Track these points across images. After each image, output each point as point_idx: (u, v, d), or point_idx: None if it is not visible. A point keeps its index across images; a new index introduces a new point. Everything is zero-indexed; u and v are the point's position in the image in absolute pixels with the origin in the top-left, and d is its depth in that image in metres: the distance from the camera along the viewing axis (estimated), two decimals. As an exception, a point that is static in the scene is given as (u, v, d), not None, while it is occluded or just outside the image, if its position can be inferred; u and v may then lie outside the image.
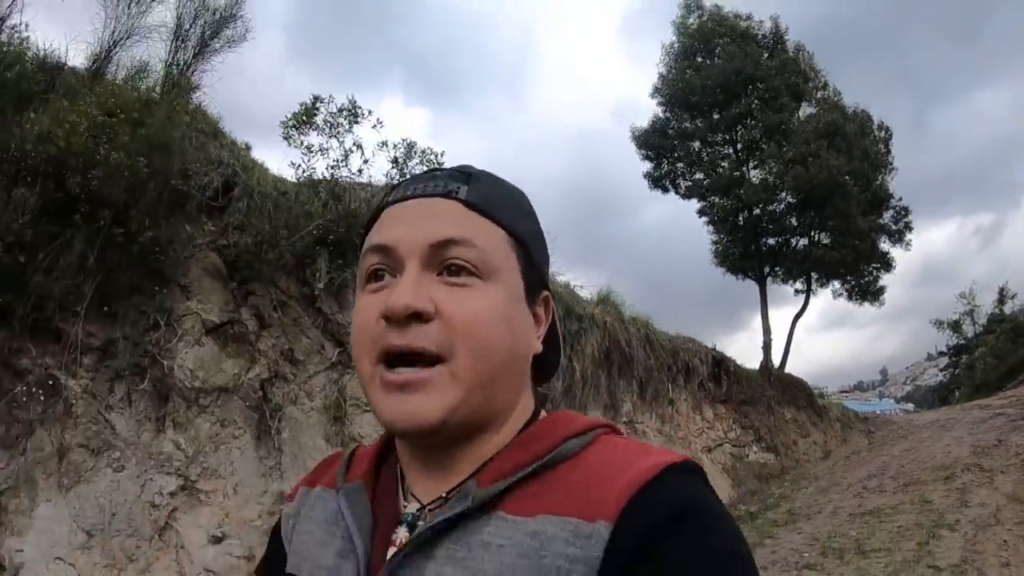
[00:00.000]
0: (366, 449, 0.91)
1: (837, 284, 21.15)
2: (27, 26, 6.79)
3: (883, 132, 20.66)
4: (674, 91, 19.78)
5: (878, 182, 19.90)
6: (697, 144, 20.37)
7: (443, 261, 0.75)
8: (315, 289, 6.75)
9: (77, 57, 7.69)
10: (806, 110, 19.97)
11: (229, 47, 8.51)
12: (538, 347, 0.82)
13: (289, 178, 7.34)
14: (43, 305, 5.34)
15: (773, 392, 15.76)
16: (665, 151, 20.42)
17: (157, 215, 5.79)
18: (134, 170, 5.51)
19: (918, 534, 7.19)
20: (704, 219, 20.85)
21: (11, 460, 4.98)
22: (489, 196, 0.81)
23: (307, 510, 0.88)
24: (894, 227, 20.85)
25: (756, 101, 19.27)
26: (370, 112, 7.51)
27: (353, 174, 7.35)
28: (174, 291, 6.08)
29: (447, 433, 0.73)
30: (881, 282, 21.22)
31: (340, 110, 7.51)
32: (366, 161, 7.40)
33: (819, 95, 20.23)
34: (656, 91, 20.36)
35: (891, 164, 20.57)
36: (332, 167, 7.27)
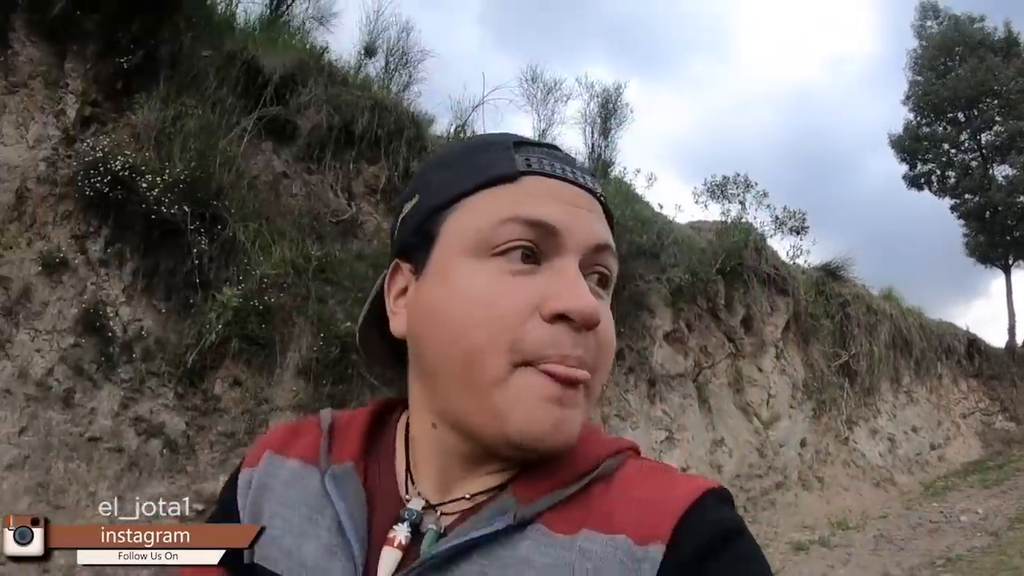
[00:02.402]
0: (348, 420, 0.78)
1: (1075, 271, 21.81)
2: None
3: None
4: (923, 98, 21.44)
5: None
6: (946, 146, 21.78)
7: (593, 266, 0.67)
8: (717, 306, 9.91)
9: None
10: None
11: (620, 126, 11.98)
12: None
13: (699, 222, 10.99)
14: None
15: (1017, 369, 17.09)
16: (919, 154, 21.99)
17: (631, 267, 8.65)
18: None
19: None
20: (955, 214, 22.20)
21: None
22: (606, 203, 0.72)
23: (279, 485, 0.74)
24: None
25: (997, 107, 20.72)
26: (756, 183, 11.08)
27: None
28: (646, 314, 8.96)
29: None
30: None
31: (735, 181, 11.16)
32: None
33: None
34: (908, 98, 22.05)
35: None
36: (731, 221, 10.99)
